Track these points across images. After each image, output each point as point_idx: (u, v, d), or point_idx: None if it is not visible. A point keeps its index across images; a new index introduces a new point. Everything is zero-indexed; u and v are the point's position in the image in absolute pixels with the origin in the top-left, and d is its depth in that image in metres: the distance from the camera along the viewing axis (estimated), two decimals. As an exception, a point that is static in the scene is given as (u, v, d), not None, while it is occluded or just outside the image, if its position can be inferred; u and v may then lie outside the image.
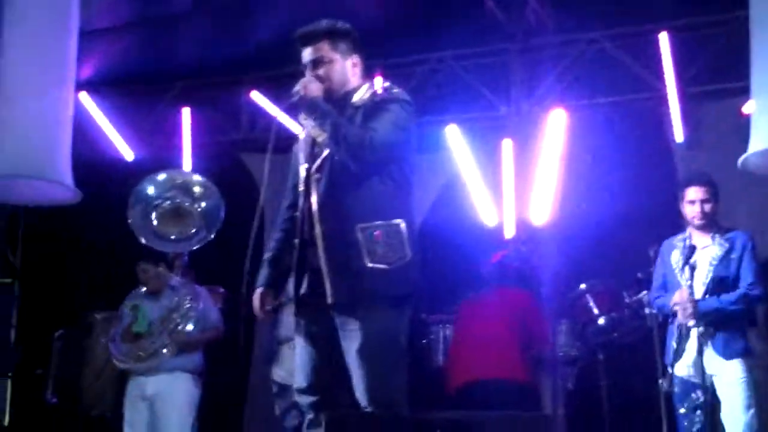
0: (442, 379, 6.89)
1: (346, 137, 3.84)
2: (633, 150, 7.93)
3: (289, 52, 8.36)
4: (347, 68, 4.11)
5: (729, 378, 5.49)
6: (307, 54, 4.11)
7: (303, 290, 3.98)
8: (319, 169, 3.99)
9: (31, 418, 8.38)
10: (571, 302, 7.10)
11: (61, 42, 5.74)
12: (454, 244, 7.76)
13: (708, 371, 5.43)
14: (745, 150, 5.25)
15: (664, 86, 7.82)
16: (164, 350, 6.43)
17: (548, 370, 6.99)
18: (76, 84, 6.06)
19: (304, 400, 4.04)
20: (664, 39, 7.77)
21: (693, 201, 5.80)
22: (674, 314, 5.64)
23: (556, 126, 8.15)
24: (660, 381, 5.77)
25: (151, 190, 6.21)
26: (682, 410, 5.63)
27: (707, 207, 5.76)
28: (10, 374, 8.37)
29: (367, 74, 4.25)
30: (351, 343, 3.84)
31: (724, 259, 5.64)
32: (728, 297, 5.53)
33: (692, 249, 5.66)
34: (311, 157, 4.05)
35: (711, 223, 5.78)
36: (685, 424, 5.59)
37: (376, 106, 4.00)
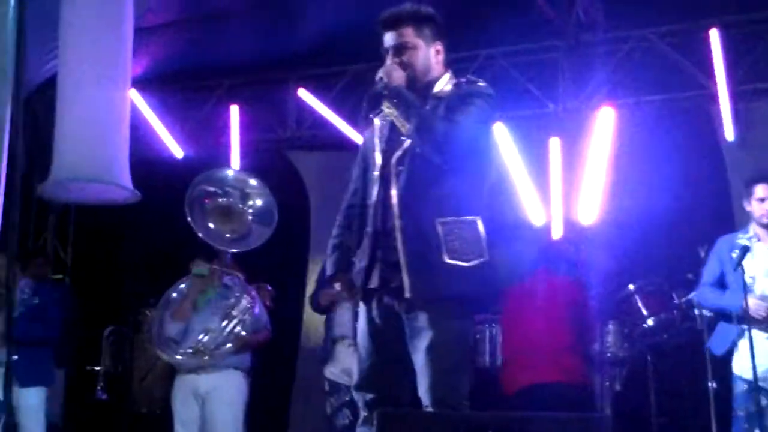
0: (489, 380, 6.85)
1: (431, 130, 3.75)
2: (682, 148, 7.83)
3: (337, 49, 8.45)
4: (430, 55, 3.98)
5: None
6: (389, 39, 3.96)
7: (374, 283, 3.87)
8: (400, 161, 3.86)
9: (81, 414, 8.47)
10: (619, 303, 7.02)
11: (118, 44, 5.80)
12: (500, 243, 7.72)
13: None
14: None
15: (714, 84, 7.73)
16: (226, 347, 6.41)
17: (596, 369, 6.94)
18: (128, 82, 6.12)
19: (361, 397, 3.96)
20: (714, 36, 7.67)
21: (763, 198, 5.71)
22: (741, 317, 5.55)
23: (605, 124, 8.09)
24: (710, 384, 5.71)
25: (204, 187, 6.19)
26: (740, 413, 5.54)
27: None
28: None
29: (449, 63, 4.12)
30: (420, 340, 3.77)
31: None
32: None
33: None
34: (390, 148, 3.93)
35: None
36: (746, 426, 5.48)
37: (460, 98, 3.88)
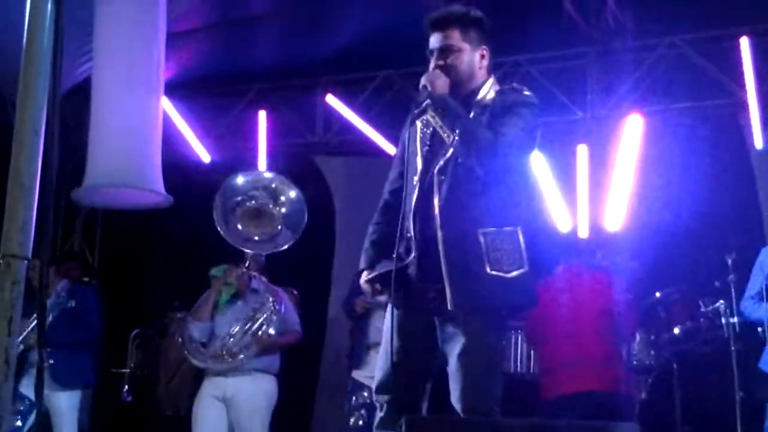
0: (515, 385, 6.82)
1: (476, 141, 3.69)
2: (710, 156, 7.80)
3: (365, 55, 8.47)
4: (475, 60, 3.92)
5: None
6: (435, 40, 3.91)
7: (409, 289, 3.84)
8: (441, 170, 3.81)
9: (107, 417, 8.51)
10: (645, 310, 6.99)
11: (151, 50, 5.85)
12: (527, 250, 7.70)
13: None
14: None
15: (744, 92, 7.69)
16: (248, 351, 6.43)
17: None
18: (156, 87, 6.16)
19: (382, 397, 3.94)
20: (744, 44, 7.64)
21: None
22: None
23: (633, 131, 8.06)
24: (737, 393, 5.68)
25: (237, 185, 6.21)
26: None
27: None
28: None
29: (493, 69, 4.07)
30: (453, 346, 3.75)
31: None
32: None
33: None
34: (432, 155, 3.87)
35: None
36: None
37: (506, 108, 3.82)
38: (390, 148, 8.82)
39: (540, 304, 6.40)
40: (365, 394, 6.53)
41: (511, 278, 3.72)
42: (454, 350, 3.75)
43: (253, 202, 6.09)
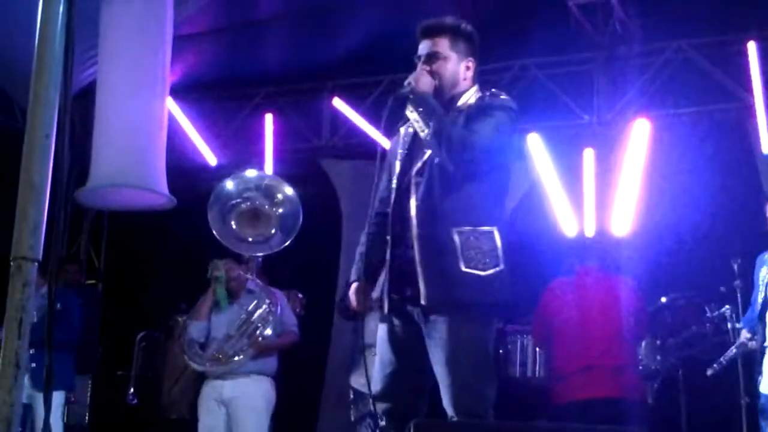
0: (522, 391, 6.82)
1: (449, 137, 3.76)
2: (717, 161, 7.79)
3: (372, 59, 8.48)
4: (460, 69, 4.02)
5: None
6: (424, 46, 4.02)
7: (393, 292, 3.90)
8: (419, 171, 3.91)
9: (111, 419, 8.51)
10: (651, 315, 6.98)
11: (156, 53, 5.85)
12: (533, 254, 7.71)
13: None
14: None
15: (751, 96, 7.69)
16: (242, 354, 6.45)
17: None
18: (163, 89, 6.16)
19: (380, 406, 3.97)
20: (752, 48, 7.64)
21: None
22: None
23: (640, 136, 8.06)
24: (742, 398, 5.68)
25: (231, 188, 6.24)
26: None
27: None
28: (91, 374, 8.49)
29: (479, 80, 4.15)
30: (440, 350, 3.78)
31: None
32: None
33: None
34: (411, 158, 3.98)
35: None
36: None
37: (480, 110, 3.92)
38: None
39: (548, 305, 6.46)
40: (368, 402, 6.54)
41: (486, 276, 3.77)
42: (440, 355, 3.78)
43: (248, 203, 6.12)
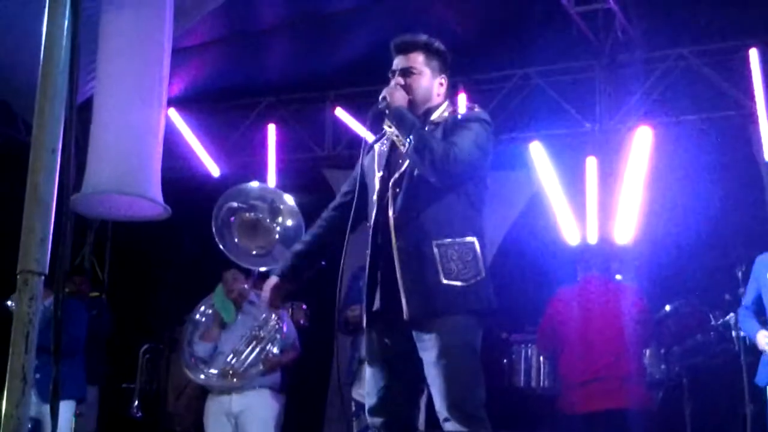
0: (526, 400, 6.81)
1: (431, 150, 3.79)
2: (720, 168, 7.80)
3: (374, 69, 8.49)
4: (434, 85, 4.06)
5: None
6: (398, 61, 4.08)
7: (376, 305, 3.92)
8: (397, 183, 3.94)
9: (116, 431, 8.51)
10: (655, 323, 6.97)
11: (156, 60, 5.85)
12: (536, 263, 7.71)
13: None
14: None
15: (753, 103, 7.69)
16: (254, 369, 6.44)
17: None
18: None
19: (375, 420, 3.98)
20: (753, 55, 7.64)
21: None
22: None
23: (642, 143, 8.06)
24: (747, 406, 5.66)
25: (236, 197, 6.22)
26: None
27: None
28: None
29: (451, 94, 4.23)
30: (428, 353, 3.80)
31: None
32: None
33: None
34: (388, 170, 4.02)
35: None
36: None
37: (456, 123, 3.96)
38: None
39: (554, 315, 6.45)
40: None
41: (468, 286, 3.81)
42: (430, 358, 3.79)
43: (252, 213, 6.10)
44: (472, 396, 3.79)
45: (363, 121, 4.26)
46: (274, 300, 4.21)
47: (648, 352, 6.97)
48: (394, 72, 4.07)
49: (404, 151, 3.90)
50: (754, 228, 7.45)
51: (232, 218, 6.11)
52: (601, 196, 8.17)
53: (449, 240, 3.83)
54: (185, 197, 7.73)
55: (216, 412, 6.52)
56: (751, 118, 7.76)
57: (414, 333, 3.85)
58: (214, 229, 6.11)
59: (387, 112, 3.94)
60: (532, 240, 8.12)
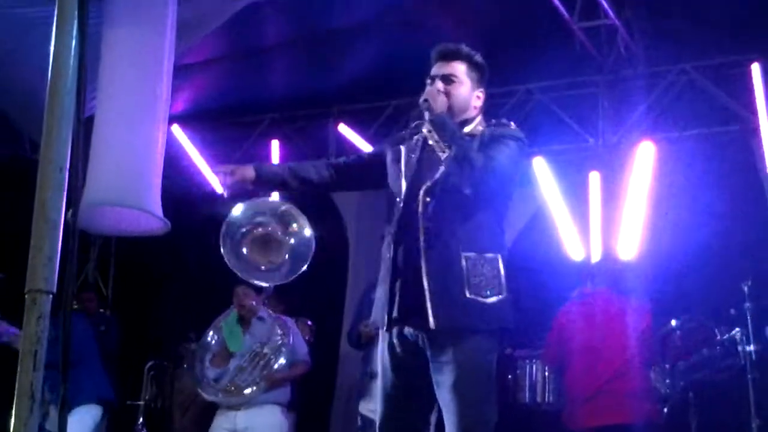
0: (530, 417, 6.79)
1: (471, 161, 3.77)
2: (723, 183, 7.80)
3: (377, 85, 8.52)
4: (472, 97, 4.06)
5: None
6: (439, 68, 4.04)
7: (396, 313, 3.86)
8: (429, 192, 3.88)
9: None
10: (660, 338, 6.96)
11: (157, 77, 5.88)
12: (540, 278, 7.70)
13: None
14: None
15: (756, 117, 7.70)
16: (255, 386, 6.44)
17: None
18: (169, 117, 6.18)
19: None
20: (756, 70, 7.66)
21: None
22: None
23: (645, 158, 8.07)
24: (753, 421, 5.65)
25: (243, 214, 6.20)
26: None
27: None
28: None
29: (484, 110, 4.17)
30: (444, 376, 3.77)
31: None
32: None
33: None
34: (418, 178, 3.94)
35: None
36: None
37: (494, 137, 3.94)
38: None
39: (562, 329, 6.45)
40: (375, 429, 6.52)
41: (489, 304, 3.78)
42: (446, 380, 3.77)
43: (260, 229, 6.08)
44: (485, 420, 3.78)
45: (399, 124, 4.21)
46: (229, 177, 4.21)
47: (653, 367, 6.95)
48: (433, 78, 4.03)
49: (442, 158, 3.87)
50: (758, 242, 7.46)
51: (243, 240, 6.09)
52: (604, 211, 8.17)
53: (476, 255, 3.81)
54: (189, 214, 7.76)
55: (222, 427, 6.53)
56: (753, 132, 7.76)
57: (430, 349, 3.81)
58: (223, 252, 6.07)
59: (428, 115, 3.90)
60: (535, 256, 8.10)
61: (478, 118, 4.08)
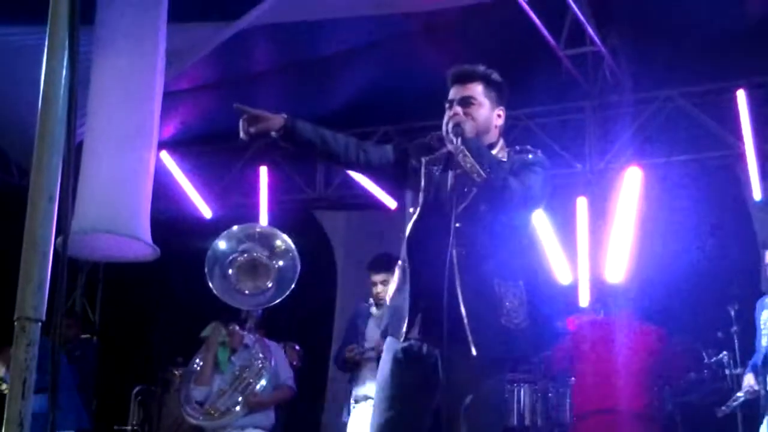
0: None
1: (511, 189, 3.69)
2: (710, 208, 7.85)
3: (365, 111, 8.56)
4: (493, 117, 3.93)
5: None
6: (456, 91, 3.92)
7: (414, 333, 3.78)
8: (460, 217, 3.75)
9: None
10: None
11: (146, 104, 5.89)
12: (528, 302, 7.71)
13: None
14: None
15: (742, 144, 7.76)
16: (236, 409, 6.44)
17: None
18: (158, 143, 6.19)
19: None
20: (741, 96, 7.72)
21: None
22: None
23: (632, 184, 8.11)
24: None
25: (225, 245, 6.21)
26: None
27: None
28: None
29: (505, 129, 4.07)
30: (457, 401, 3.70)
31: None
32: None
33: None
34: (441, 200, 3.83)
35: None
36: None
37: (525, 165, 3.85)
38: (390, 202, 8.87)
39: (574, 342, 6.48)
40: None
41: (518, 331, 3.74)
42: (458, 405, 3.69)
43: (246, 255, 6.09)
44: None
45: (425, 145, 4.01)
46: (255, 119, 3.90)
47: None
48: (451, 102, 3.91)
49: (479, 183, 3.72)
50: (745, 266, 7.49)
51: (230, 269, 6.11)
52: (591, 236, 8.21)
53: (506, 280, 3.75)
54: (178, 239, 7.76)
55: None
56: (739, 158, 7.82)
57: (450, 371, 3.68)
58: (213, 285, 6.06)
59: (459, 141, 3.72)
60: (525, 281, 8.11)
61: (501, 142, 3.98)
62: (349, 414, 6.71)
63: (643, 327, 6.56)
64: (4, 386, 6.63)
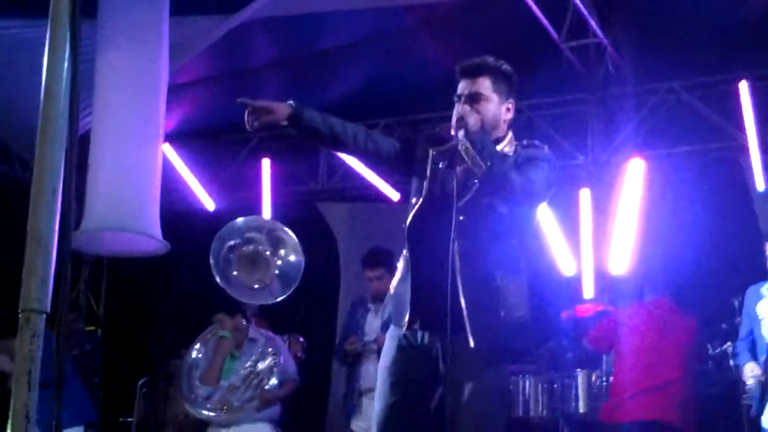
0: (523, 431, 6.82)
1: (511, 181, 3.67)
2: (713, 199, 7.84)
3: (366, 103, 8.56)
4: (501, 112, 3.91)
5: None
6: (464, 86, 3.90)
7: (417, 324, 3.79)
8: (463, 210, 3.73)
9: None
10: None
11: (152, 98, 5.90)
12: (532, 293, 7.71)
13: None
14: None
15: (744, 135, 7.76)
16: (251, 404, 6.44)
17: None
18: (162, 136, 6.21)
19: None
20: (744, 88, 7.71)
21: None
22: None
23: (635, 175, 8.11)
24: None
25: (236, 227, 6.19)
26: None
27: None
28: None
29: (513, 122, 4.05)
30: (458, 391, 3.72)
31: None
32: None
33: None
34: (445, 193, 3.81)
35: None
36: None
37: (530, 159, 3.83)
38: (393, 194, 8.88)
39: (616, 323, 6.50)
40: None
41: (519, 324, 3.76)
42: (461, 393, 3.72)
43: (251, 246, 6.08)
44: None
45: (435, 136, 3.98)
46: (260, 111, 3.87)
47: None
48: (460, 97, 3.89)
49: (477, 175, 3.72)
50: (748, 257, 7.49)
51: (231, 255, 6.09)
52: (595, 227, 8.21)
53: (507, 273, 3.76)
54: (181, 232, 7.75)
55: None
56: (742, 149, 7.82)
57: (452, 363, 3.69)
58: (213, 269, 6.06)
59: (462, 134, 3.70)
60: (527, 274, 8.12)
61: (509, 136, 3.96)
62: (352, 408, 6.73)
63: (673, 307, 6.56)
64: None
